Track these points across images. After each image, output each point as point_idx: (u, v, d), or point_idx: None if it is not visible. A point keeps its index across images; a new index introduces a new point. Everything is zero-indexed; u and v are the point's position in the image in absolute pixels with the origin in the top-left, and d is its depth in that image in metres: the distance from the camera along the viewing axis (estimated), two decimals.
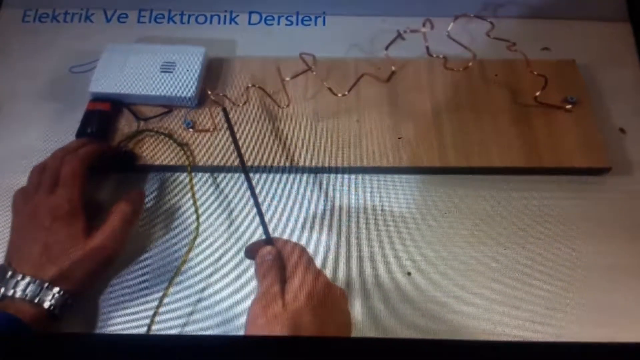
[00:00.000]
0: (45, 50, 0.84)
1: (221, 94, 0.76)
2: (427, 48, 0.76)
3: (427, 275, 0.65)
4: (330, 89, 0.75)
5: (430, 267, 0.65)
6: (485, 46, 0.75)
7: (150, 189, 0.71)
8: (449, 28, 0.74)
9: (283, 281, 0.48)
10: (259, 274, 0.50)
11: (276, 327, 0.44)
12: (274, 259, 0.51)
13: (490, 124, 0.74)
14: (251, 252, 0.54)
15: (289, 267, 0.49)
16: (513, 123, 0.74)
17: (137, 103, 0.76)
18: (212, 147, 0.73)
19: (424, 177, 0.72)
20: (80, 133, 0.73)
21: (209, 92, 0.75)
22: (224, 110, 0.69)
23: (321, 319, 0.45)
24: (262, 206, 0.59)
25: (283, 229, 0.67)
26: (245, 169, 0.61)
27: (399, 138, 0.73)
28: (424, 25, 0.71)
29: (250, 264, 0.55)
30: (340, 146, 0.72)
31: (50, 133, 0.76)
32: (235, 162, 0.69)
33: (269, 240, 0.54)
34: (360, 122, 0.74)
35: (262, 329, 0.45)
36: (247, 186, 0.60)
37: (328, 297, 0.48)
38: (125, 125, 0.74)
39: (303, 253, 0.51)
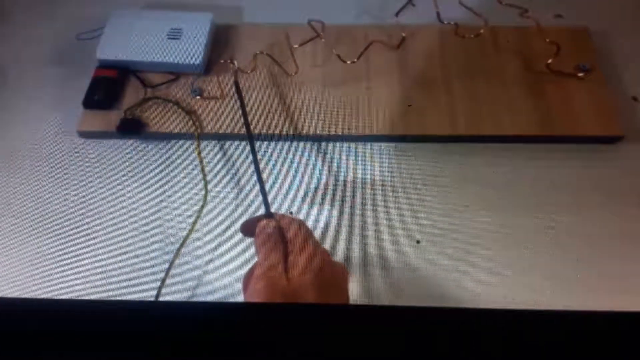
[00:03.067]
0: (51, 18, 0.84)
1: (228, 61, 0.75)
2: (438, 14, 0.75)
3: (437, 244, 0.64)
4: (339, 56, 0.74)
5: (440, 236, 0.65)
6: (497, 13, 0.73)
7: (157, 156, 0.71)
8: None
9: (285, 255, 0.46)
10: (260, 245, 0.47)
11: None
12: (274, 231, 0.48)
13: (502, 91, 0.72)
14: (247, 227, 0.52)
15: (291, 241, 0.47)
16: (525, 91, 0.73)
17: (144, 70, 0.75)
18: (219, 114, 0.72)
19: (434, 146, 0.71)
20: (87, 100, 0.72)
21: (221, 61, 0.74)
22: (236, 84, 0.68)
23: (324, 296, 0.43)
24: (267, 176, 0.58)
25: (288, 199, 0.68)
26: (252, 142, 0.60)
27: (409, 106, 0.72)
28: None
29: None
30: (349, 114, 0.72)
31: (57, 100, 0.76)
32: (243, 129, 0.68)
33: (269, 215, 0.51)
34: (369, 90, 0.73)
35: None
36: (252, 158, 0.58)
37: (330, 274, 0.47)
38: (132, 92, 0.74)
39: (305, 228, 0.49)
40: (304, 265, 0.44)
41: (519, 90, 0.72)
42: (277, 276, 0.43)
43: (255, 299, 0.43)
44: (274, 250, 0.46)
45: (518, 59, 0.75)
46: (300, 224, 0.49)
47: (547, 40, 0.72)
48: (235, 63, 0.71)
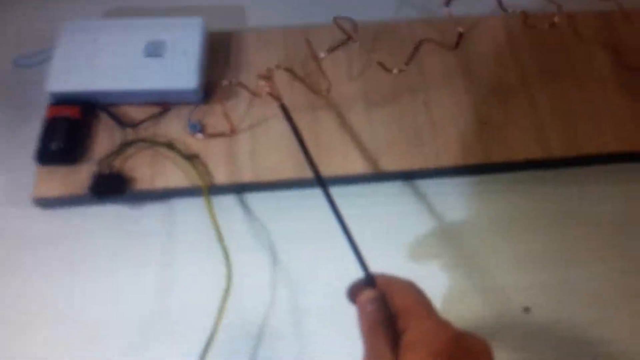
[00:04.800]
0: None
1: (234, 81, 0.55)
2: (500, 1, 0.59)
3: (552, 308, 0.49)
4: (381, 64, 0.57)
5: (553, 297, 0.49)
6: None
7: (153, 224, 0.52)
8: None
9: (394, 338, 0.37)
10: (362, 331, 0.38)
11: None
12: (378, 308, 0.39)
13: (596, 96, 0.58)
14: (352, 294, 0.41)
15: (400, 314, 0.38)
16: (623, 93, 0.57)
17: (118, 103, 0.56)
18: (232, 156, 0.53)
19: (521, 175, 0.55)
20: (41, 153, 0.51)
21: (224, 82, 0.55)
22: (283, 107, 0.49)
23: None
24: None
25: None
26: (325, 186, 0.43)
27: (484, 124, 0.54)
28: None
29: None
30: (405, 141, 0.54)
31: None
32: (269, 176, 0.52)
33: (369, 279, 0.40)
34: (428, 106, 0.56)
35: None
36: (328, 204, 0.43)
37: (463, 356, 0.36)
38: (106, 135, 0.54)
39: (416, 293, 0.39)
40: (422, 348, 0.35)
41: (615, 94, 0.58)
42: None
43: None
44: (378, 334, 0.37)
45: (607, 53, 0.60)
46: (410, 287, 0.39)
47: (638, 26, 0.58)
48: (238, 83, 0.53)
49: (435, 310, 0.38)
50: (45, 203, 0.52)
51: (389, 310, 0.38)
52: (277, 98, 0.50)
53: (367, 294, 0.40)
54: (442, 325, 0.37)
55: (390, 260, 0.50)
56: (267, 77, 0.53)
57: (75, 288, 0.49)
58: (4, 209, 0.52)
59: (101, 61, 0.55)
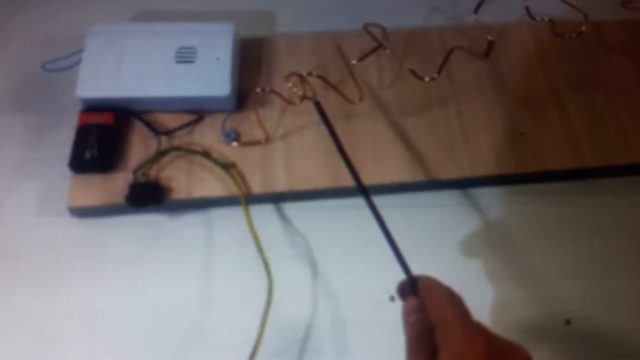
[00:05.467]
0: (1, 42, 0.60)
1: (267, 89, 0.54)
2: (527, 9, 0.59)
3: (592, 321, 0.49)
4: (413, 72, 0.56)
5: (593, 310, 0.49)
6: (593, 3, 0.58)
7: (191, 234, 0.51)
8: None
9: (433, 353, 0.36)
10: (406, 344, 0.38)
11: None
12: (420, 320, 0.38)
13: (625, 105, 0.58)
14: (401, 292, 0.41)
15: (438, 327, 0.37)
16: None
17: (150, 110, 0.54)
18: (268, 165, 0.52)
19: (556, 186, 0.55)
20: (75, 161, 0.50)
21: (257, 89, 0.54)
22: (317, 105, 0.47)
23: None
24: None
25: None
26: (367, 194, 0.42)
27: (521, 135, 0.54)
28: None
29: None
30: (440, 151, 0.54)
31: (27, 165, 0.53)
32: (305, 185, 0.52)
33: (412, 282, 0.40)
34: (462, 115, 0.56)
35: None
36: (371, 212, 0.42)
37: None
38: (140, 143, 0.53)
39: (454, 304, 0.38)
40: None
41: None
42: None
43: None
44: (420, 348, 0.37)
45: (634, 60, 0.60)
46: (447, 296, 0.38)
47: None
48: (271, 90, 0.52)
49: (472, 320, 0.38)
50: (81, 212, 0.51)
51: (430, 322, 0.38)
52: (311, 97, 0.49)
53: (411, 304, 0.40)
54: (475, 342, 0.36)
55: (421, 269, 0.50)
56: (298, 75, 0.52)
57: (112, 299, 0.48)
58: (39, 219, 0.51)
59: (131, 67, 0.54)
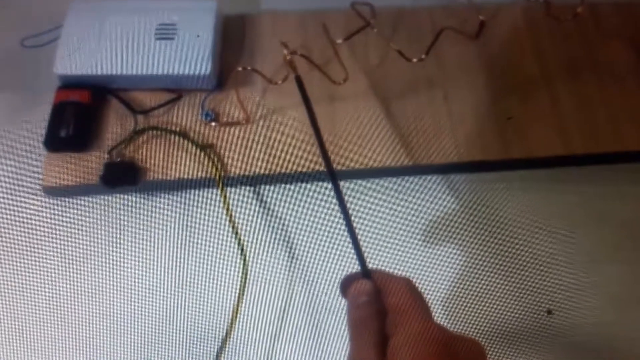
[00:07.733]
0: None
1: (249, 68, 0.53)
2: None
3: (573, 312, 0.48)
4: (400, 52, 0.55)
5: (575, 301, 0.48)
6: None
7: (167, 216, 0.50)
8: None
9: (382, 339, 0.34)
10: (349, 326, 0.36)
11: None
12: (371, 302, 0.36)
13: (618, 92, 0.56)
14: (345, 287, 0.39)
15: (391, 314, 0.35)
16: None
17: (128, 88, 0.53)
18: (248, 147, 0.51)
19: (543, 173, 0.54)
20: (50, 139, 0.49)
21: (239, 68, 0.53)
22: (297, 79, 0.45)
23: None
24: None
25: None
26: (334, 177, 0.40)
27: (508, 119, 0.53)
28: None
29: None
30: (425, 135, 0.52)
31: (1, 143, 0.52)
32: (285, 168, 0.51)
33: (365, 274, 0.38)
34: (448, 99, 0.54)
35: None
36: (336, 198, 0.40)
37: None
38: (116, 122, 0.52)
39: (412, 293, 0.36)
40: (408, 353, 0.32)
41: (638, 89, 0.55)
42: None
43: None
44: (366, 333, 0.35)
45: (630, 46, 0.58)
46: (405, 285, 0.36)
47: None
48: (253, 69, 0.51)
49: (429, 313, 0.36)
50: (56, 192, 0.50)
51: (382, 307, 0.36)
52: (294, 68, 0.47)
53: (361, 285, 0.38)
54: (433, 329, 0.35)
55: (402, 255, 0.49)
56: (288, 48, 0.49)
57: (85, 280, 0.47)
58: (14, 197, 0.50)
59: (110, 43, 0.53)
